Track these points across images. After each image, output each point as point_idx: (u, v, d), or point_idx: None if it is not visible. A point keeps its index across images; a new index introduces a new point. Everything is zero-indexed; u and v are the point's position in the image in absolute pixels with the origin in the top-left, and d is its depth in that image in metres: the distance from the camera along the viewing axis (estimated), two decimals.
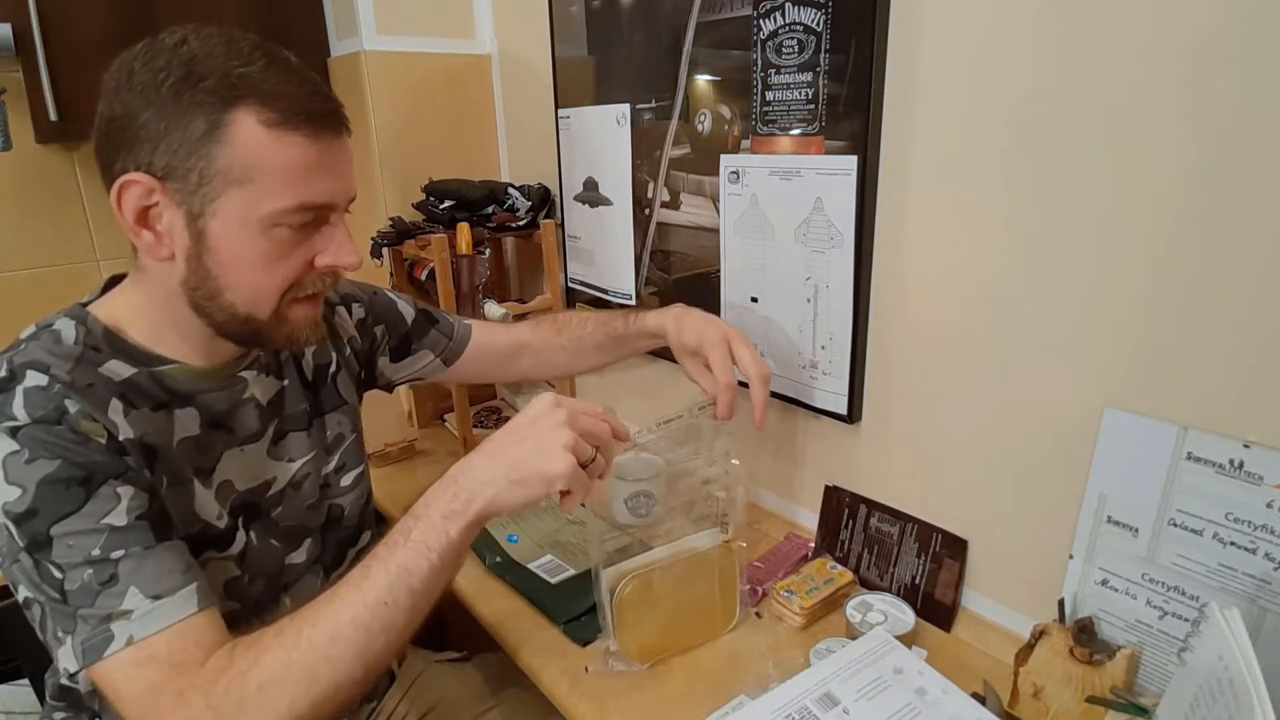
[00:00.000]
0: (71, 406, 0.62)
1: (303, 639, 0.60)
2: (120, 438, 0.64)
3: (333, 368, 0.89)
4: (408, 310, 1.02)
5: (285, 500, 0.80)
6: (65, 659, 0.59)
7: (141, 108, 0.61)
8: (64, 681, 0.74)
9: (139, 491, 0.63)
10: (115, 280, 0.75)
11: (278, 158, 0.63)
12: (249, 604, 0.75)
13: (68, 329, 0.67)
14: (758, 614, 0.94)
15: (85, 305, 0.71)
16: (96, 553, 0.60)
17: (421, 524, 0.64)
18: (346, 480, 0.89)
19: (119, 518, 0.61)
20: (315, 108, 0.64)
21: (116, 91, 0.63)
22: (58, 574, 0.59)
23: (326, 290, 0.73)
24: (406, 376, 1.04)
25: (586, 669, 0.86)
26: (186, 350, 0.72)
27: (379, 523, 0.97)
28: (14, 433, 0.59)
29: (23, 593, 0.62)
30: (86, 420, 0.62)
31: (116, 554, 0.60)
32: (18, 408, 0.60)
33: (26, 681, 0.96)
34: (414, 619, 0.64)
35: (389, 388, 1.05)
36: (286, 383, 0.82)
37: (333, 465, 0.87)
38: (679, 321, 0.94)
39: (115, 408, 0.65)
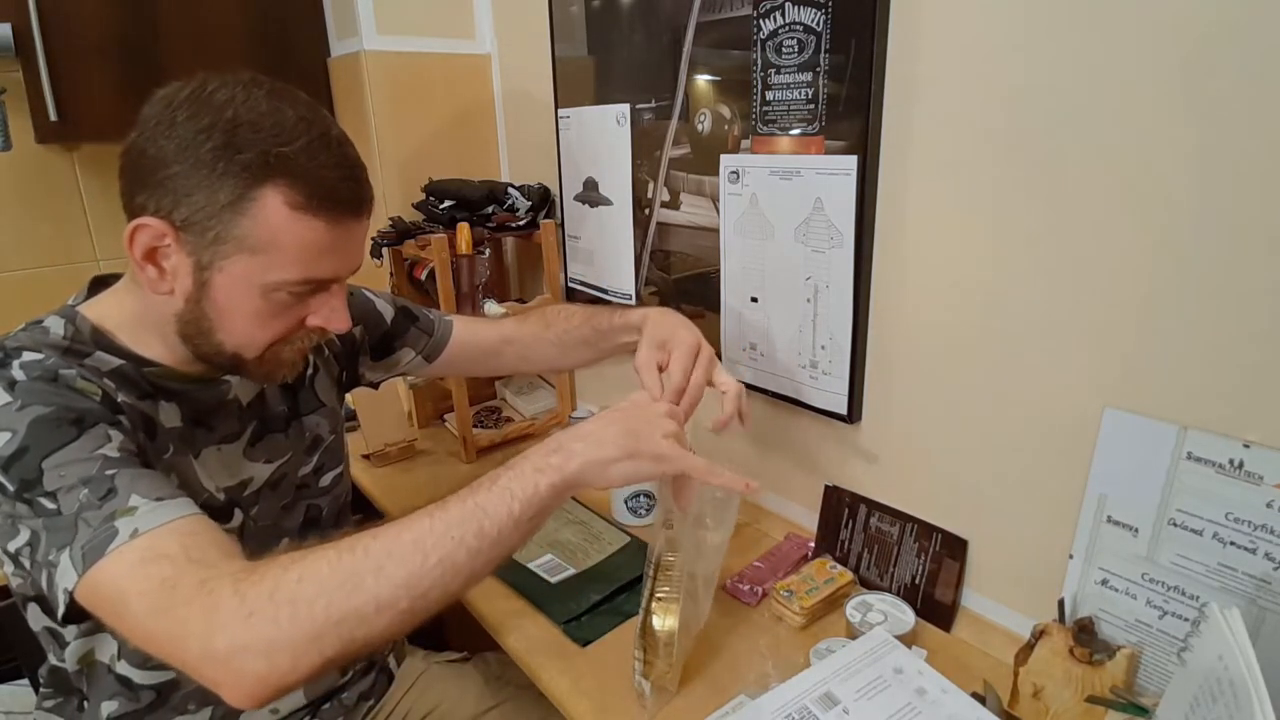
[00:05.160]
0: (68, 372, 0.64)
1: (359, 546, 0.56)
2: (117, 399, 0.65)
3: (310, 370, 0.90)
4: (386, 309, 1.02)
5: (261, 500, 0.81)
6: (64, 576, 0.56)
7: (175, 159, 0.62)
8: (53, 664, 0.75)
9: (128, 440, 0.63)
10: (99, 280, 0.76)
11: (295, 237, 0.64)
12: None
13: (56, 325, 0.69)
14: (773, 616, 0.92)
15: (74, 306, 0.72)
16: (92, 473, 0.58)
17: (512, 472, 0.62)
18: (325, 481, 0.90)
19: (111, 451, 0.61)
20: (342, 194, 0.66)
21: (155, 133, 0.63)
22: (51, 504, 0.57)
23: (313, 344, 0.75)
24: (390, 374, 1.05)
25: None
26: (171, 359, 0.73)
27: (357, 525, 0.98)
28: (10, 386, 0.61)
29: (12, 546, 0.59)
30: (83, 381, 0.64)
31: (110, 472, 0.59)
32: (16, 371, 0.62)
33: (26, 681, 0.96)
34: (476, 567, 0.58)
35: (374, 385, 1.06)
36: (266, 385, 0.83)
37: (311, 466, 0.88)
38: (660, 316, 0.92)
39: (107, 384, 0.66)
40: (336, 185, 0.65)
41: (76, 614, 0.57)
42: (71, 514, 0.57)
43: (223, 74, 0.64)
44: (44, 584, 0.58)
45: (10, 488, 0.58)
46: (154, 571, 0.55)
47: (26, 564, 0.60)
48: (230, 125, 0.62)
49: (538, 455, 0.63)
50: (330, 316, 0.72)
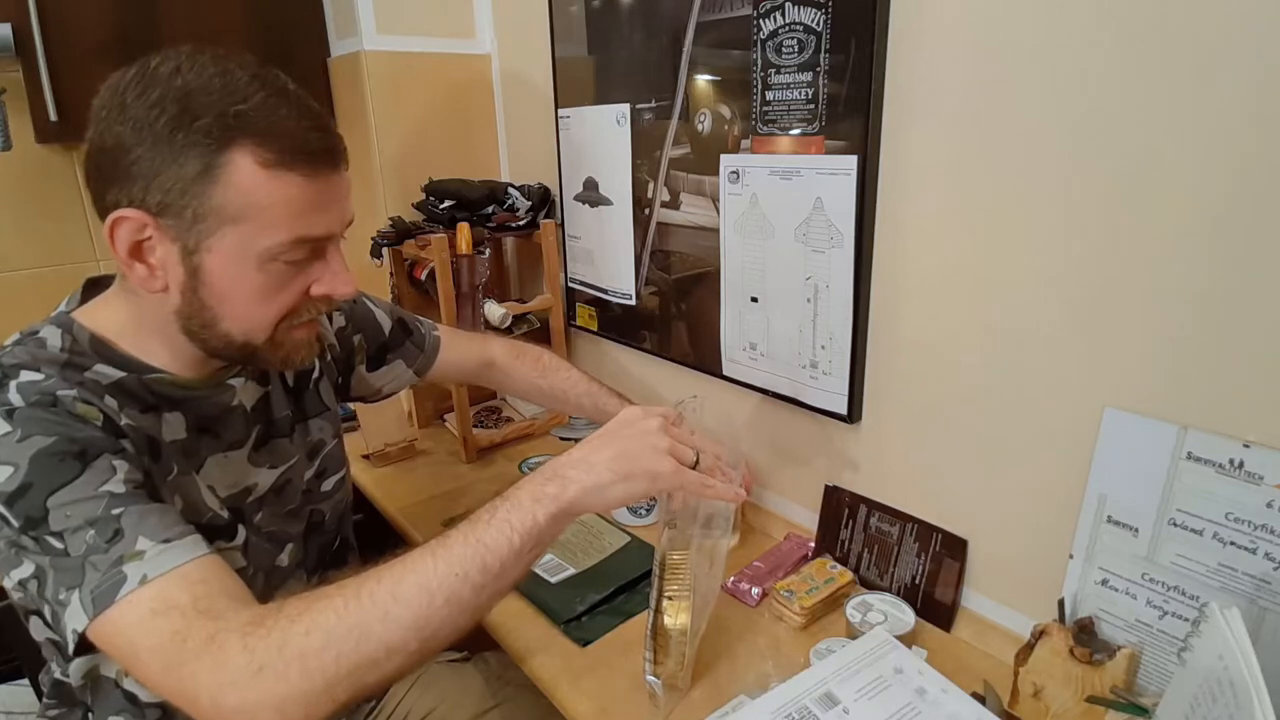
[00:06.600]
0: (67, 394, 0.62)
1: (364, 592, 0.57)
2: (119, 423, 0.64)
3: (315, 374, 0.90)
4: (385, 320, 1.03)
5: (266, 506, 0.80)
6: (73, 618, 0.56)
7: (134, 143, 0.60)
8: (57, 676, 0.74)
9: (134, 469, 0.62)
10: (94, 282, 0.74)
11: (274, 197, 0.62)
12: (255, 596, 0.76)
13: (53, 336, 0.67)
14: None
15: (69, 312, 0.70)
16: (98, 514, 0.58)
17: (509, 504, 0.63)
18: (327, 485, 0.89)
19: (117, 486, 0.60)
20: (313, 145, 0.63)
21: (108, 121, 0.61)
22: (58, 544, 0.57)
23: (321, 315, 0.73)
24: (379, 386, 1.05)
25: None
26: (175, 364, 0.71)
27: (356, 529, 0.98)
28: (9, 415, 0.59)
29: (15, 576, 0.59)
30: (82, 404, 0.62)
31: (116, 511, 0.58)
32: (13, 396, 0.60)
33: (26, 681, 0.96)
34: (481, 601, 0.60)
35: (361, 399, 1.06)
36: (270, 389, 0.83)
37: (314, 470, 0.87)
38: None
39: (109, 403, 0.65)
40: (305, 136, 0.62)
41: (85, 649, 0.58)
42: (79, 556, 0.57)
43: (163, 51, 0.62)
44: (50, 618, 0.59)
45: (15, 523, 0.58)
46: (164, 625, 0.55)
47: (33, 592, 0.59)
48: (181, 93, 0.59)
49: (534, 484, 0.64)
50: (333, 281, 0.69)
